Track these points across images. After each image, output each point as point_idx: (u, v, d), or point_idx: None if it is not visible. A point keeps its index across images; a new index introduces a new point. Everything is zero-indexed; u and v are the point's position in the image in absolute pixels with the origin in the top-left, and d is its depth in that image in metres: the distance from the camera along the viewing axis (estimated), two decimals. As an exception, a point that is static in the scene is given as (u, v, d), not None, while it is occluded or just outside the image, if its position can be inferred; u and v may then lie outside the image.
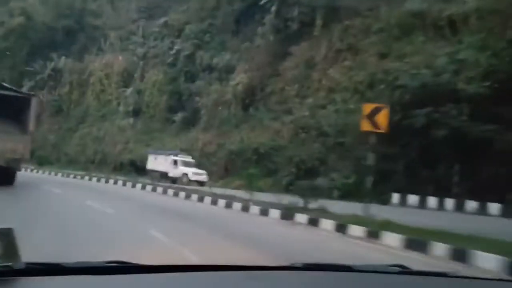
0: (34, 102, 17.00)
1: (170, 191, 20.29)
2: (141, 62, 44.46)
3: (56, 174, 31.24)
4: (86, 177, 28.17)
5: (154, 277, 1.56)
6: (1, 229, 1.41)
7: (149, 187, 22.52)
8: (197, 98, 36.00)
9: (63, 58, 50.51)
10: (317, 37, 30.16)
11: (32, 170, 30.45)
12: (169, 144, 33.85)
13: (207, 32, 39.71)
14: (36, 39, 52.15)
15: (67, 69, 49.43)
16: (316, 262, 1.96)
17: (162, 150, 30.83)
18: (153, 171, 29.46)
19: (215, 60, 36.60)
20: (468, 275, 2.35)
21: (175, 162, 28.20)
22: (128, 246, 6.49)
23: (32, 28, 52.30)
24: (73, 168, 35.49)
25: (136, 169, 32.68)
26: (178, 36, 42.61)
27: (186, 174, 27.00)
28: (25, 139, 16.60)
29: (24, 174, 21.10)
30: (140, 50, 45.38)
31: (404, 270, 1.89)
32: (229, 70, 35.28)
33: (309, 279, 1.78)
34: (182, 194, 19.14)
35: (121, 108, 42.23)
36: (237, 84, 32.77)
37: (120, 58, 45.85)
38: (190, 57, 39.73)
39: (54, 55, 50.53)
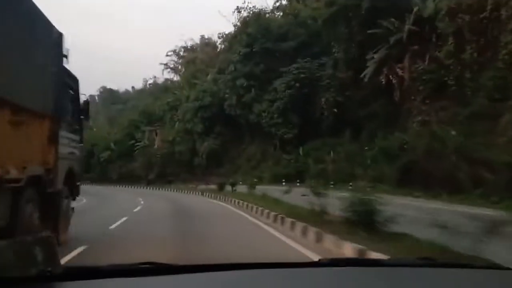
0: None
1: None
2: None
3: None
4: None
5: (185, 277, 1.63)
6: (42, 236, 1.54)
7: None
8: None
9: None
10: None
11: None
12: None
13: None
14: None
15: (442, 15, 26.84)
16: (343, 258, 2.26)
17: None
18: None
19: None
20: (495, 266, 2.12)
21: None
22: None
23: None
24: None
25: None
26: None
27: None
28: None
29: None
30: None
31: (431, 263, 1.95)
32: None
33: (339, 275, 1.76)
34: None
35: None
36: None
37: None
38: None
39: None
